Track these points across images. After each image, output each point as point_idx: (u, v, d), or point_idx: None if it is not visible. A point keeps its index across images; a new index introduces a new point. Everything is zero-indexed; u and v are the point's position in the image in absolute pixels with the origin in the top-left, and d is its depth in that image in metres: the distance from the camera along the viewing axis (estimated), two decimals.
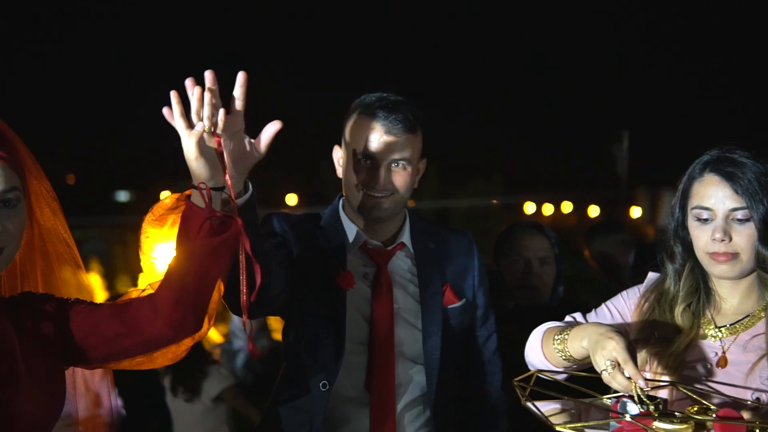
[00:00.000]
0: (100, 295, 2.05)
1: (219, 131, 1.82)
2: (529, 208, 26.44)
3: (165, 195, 2.01)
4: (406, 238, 2.58)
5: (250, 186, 1.96)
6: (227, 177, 1.85)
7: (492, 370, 2.66)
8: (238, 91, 1.84)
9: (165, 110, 1.81)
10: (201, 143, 1.79)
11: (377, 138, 2.43)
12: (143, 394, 4.71)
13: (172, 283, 1.83)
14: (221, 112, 1.81)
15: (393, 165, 2.45)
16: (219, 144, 1.82)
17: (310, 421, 2.42)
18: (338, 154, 2.58)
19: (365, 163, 2.45)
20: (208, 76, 1.81)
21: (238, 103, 1.84)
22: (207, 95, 1.80)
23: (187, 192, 1.88)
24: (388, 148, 2.44)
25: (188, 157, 1.82)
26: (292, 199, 25.58)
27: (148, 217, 1.94)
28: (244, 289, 1.92)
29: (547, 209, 27.15)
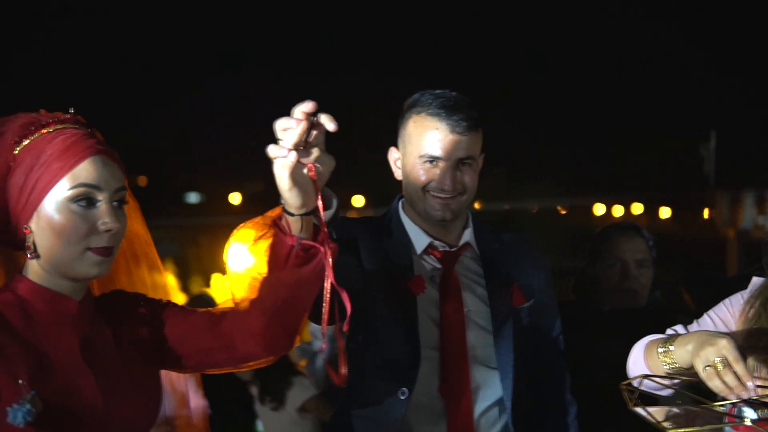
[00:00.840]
0: (176, 297, 2.04)
1: (312, 157, 1.72)
2: (599, 209, 26.03)
3: (234, 197, 2.00)
4: (470, 238, 2.51)
5: (334, 201, 1.88)
6: (320, 202, 1.76)
7: (561, 374, 2.60)
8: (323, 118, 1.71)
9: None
10: (295, 172, 1.70)
11: (442, 138, 2.37)
12: (229, 393, 4.74)
13: (264, 308, 1.83)
14: (313, 135, 1.70)
15: (460, 165, 2.38)
16: (311, 168, 1.72)
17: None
18: (395, 156, 2.52)
19: (431, 164, 2.39)
20: (310, 108, 1.67)
21: (324, 119, 1.71)
22: (303, 125, 1.67)
23: (272, 214, 1.85)
24: (455, 147, 2.37)
25: (282, 187, 1.73)
26: (359, 201, 25.58)
27: (237, 229, 1.93)
28: (325, 317, 1.83)
29: (617, 211, 26.70)
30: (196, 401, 4.28)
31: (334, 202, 1.89)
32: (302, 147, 1.70)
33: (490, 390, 2.45)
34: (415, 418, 2.39)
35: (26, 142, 1.72)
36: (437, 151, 2.39)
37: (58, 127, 1.75)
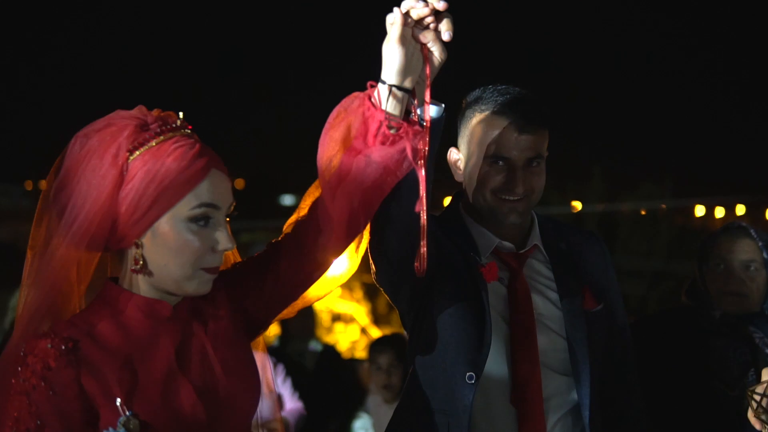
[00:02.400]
0: None
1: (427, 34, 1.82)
2: (699, 211, 25.40)
3: None
4: (537, 239, 2.37)
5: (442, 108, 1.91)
6: (428, 74, 1.83)
7: (634, 379, 2.46)
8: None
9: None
10: (403, 38, 1.79)
11: (512, 137, 2.25)
12: (323, 395, 4.74)
13: (346, 190, 1.81)
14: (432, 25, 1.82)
15: (528, 165, 2.26)
16: (424, 47, 1.84)
17: (447, 423, 2.21)
18: (455, 157, 2.39)
19: (498, 165, 2.27)
20: (441, 6, 1.80)
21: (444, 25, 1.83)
22: (426, 10, 1.81)
23: (370, 91, 1.84)
24: (525, 147, 2.25)
25: (386, 48, 1.81)
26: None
27: (328, 131, 1.87)
28: (424, 207, 1.87)
29: (719, 212, 25.97)
30: (292, 404, 4.31)
31: (442, 108, 1.91)
32: (420, 27, 1.83)
33: (563, 398, 2.30)
34: (488, 429, 2.25)
35: (141, 151, 1.66)
36: (505, 152, 2.26)
37: (170, 135, 1.69)
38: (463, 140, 2.38)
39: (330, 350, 5.59)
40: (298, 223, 1.92)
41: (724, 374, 2.67)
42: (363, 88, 1.86)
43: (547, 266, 2.39)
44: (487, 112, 2.29)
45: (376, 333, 7.02)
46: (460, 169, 2.41)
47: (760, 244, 2.92)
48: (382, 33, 1.84)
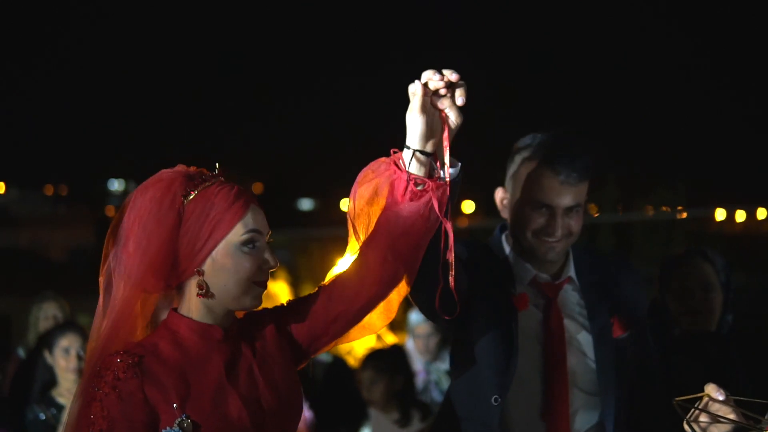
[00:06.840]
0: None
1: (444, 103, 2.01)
2: (719, 215, 25.23)
3: (345, 203, 2.11)
4: (571, 271, 2.56)
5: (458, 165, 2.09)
6: (446, 137, 2.03)
7: (660, 401, 2.59)
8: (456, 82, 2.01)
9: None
10: (423, 107, 2.00)
11: (555, 187, 2.43)
12: (332, 406, 4.76)
13: (379, 243, 2.07)
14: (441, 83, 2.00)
15: (569, 211, 2.44)
16: (442, 113, 2.04)
17: None
18: (500, 195, 2.59)
19: (541, 210, 2.44)
20: (453, 78, 2.00)
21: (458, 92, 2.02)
22: (441, 83, 2.00)
23: (395, 157, 2.07)
24: (567, 196, 2.43)
25: (409, 116, 2.01)
26: (470, 207, 25.45)
27: (357, 188, 2.11)
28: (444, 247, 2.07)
29: (740, 216, 25.74)
30: (304, 413, 4.33)
31: (458, 168, 2.08)
32: (437, 95, 2.02)
33: (589, 415, 2.49)
34: None
35: (193, 195, 1.98)
36: (548, 200, 2.44)
37: (212, 182, 2.01)
38: (509, 182, 2.57)
39: (339, 362, 5.62)
40: (342, 273, 2.14)
41: (681, 389, 2.80)
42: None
43: (579, 295, 2.58)
44: (535, 161, 2.48)
45: (391, 339, 7.05)
46: (506, 207, 2.60)
47: (717, 267, 3.16)
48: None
